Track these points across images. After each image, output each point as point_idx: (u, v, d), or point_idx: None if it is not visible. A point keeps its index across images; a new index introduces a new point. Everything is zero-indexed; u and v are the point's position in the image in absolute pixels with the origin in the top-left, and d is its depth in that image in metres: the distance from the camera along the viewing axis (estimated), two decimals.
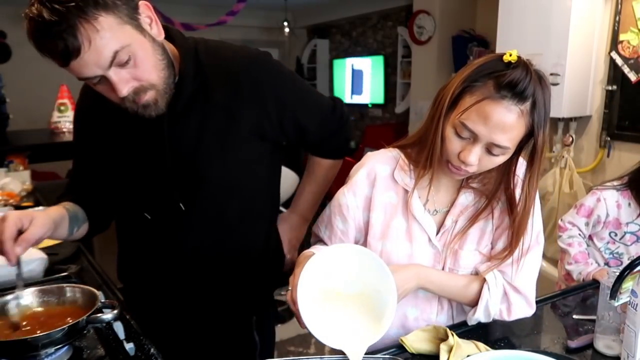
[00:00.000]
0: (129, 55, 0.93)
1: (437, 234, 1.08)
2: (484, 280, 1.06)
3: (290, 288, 0.93)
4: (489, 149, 0.94)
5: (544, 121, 0.94)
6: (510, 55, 0.92)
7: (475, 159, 0.94)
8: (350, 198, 1.10)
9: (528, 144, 0.98)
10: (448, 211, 1.08)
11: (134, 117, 1.04)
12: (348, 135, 1.34)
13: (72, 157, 1.28)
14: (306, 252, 1.08)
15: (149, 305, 1.30)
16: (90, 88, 1.12)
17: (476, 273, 1.09)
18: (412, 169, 1.07)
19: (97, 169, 1.22)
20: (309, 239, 1.26)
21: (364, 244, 1.11)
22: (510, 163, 1.02)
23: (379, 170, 1.09)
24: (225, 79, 1.10)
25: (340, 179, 1.21)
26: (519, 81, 0.89)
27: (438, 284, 1.05)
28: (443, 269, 1.09)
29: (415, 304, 1.12)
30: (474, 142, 0.93)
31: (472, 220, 1.07)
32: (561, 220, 1.72)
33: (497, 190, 1.05)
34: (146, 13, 0.98)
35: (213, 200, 1.16)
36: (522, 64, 0.92)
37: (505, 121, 0.90)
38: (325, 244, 1.15)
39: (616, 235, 1.66)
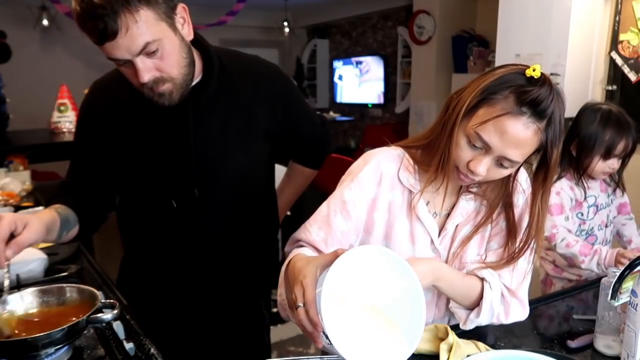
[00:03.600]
0: (157, 47, 1.03)
1: (438, 237, 1.07)
2: (482, 280, 1.04)
3: (300, 304, 0.78)
4: (500, 161, 0.93)
5: (559, 138, 0.92)
6: (534, 70, 0.89)
7: (484, 170, 0.93)
8: (357, 194, 1.05)
9: (535, 155, 0.97)
10: (448, 215, 1.07)
11: (155, 109, 1.13)
12: (328, 149, 1.53)
13: (72, 155, 1.29)
14: (297, 256, 0.91)
15: (154, 302, 1.33)
16: (103, 85, 1.26)
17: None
18: (416, 169, 1.05)
19: (102, 166, 1.24)
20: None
21: (365, 242, 1.08)
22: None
23: (385, 169, 1.06)
24: (247, 82, 1.23)
25: (336, 178, 1.18)
26: (543, 100, 0.87)
27: (449, 281, 1.01)
28: None
29: None
30: (486, 153, 0.92)
31: (476, 229, 1.06)
32: (545, 232, 1.75)
33: (500, 199, 1.05)
34: (181, 14, 1.09)
35: (229, 188, 1.26)
36: (547, 82, 0.89)
37: (521, 137, 0.89)
38: (315, 248, 1.04)
39: (582, 215, 1.76)
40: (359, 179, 1.05)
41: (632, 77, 2.83)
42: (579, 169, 1.71)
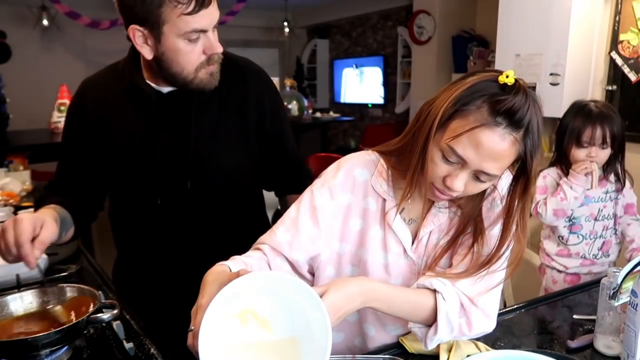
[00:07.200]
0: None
1: (412, 244, 1.02)
2: (434, 292, 0.93)
3: (192, 327, 0.73)
4: (477, 175, 0.88)
5: (537, 147, 0.87)
6: (507, 77, 0.84)
7: (462, 186, 0.88)
8: (327, 201, 1.00)
9: (514, 165, 0.91)
10: (422, 221, 1.03)
11: (147, 107, 1.16)
12: (310, 173, 1.46)
13: (60, 155, 1.30)
14: (214, 267, 0.87)
15: (148, 302, 1.32)
16: (93, 84, 1.26)
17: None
18: (390, 176, 1.02)
19: (91, 165, 1.24)
20: None
21: (340, 251, 1.03)
22: None
23: (358, 175, 1.02)
24: (238, 81, 1.26)
25: None
26: (518, 108, 0.82)
27: (385, 301, 0.90)
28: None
29: (376, 319, 1.05)
30: (462, 168, 0.87)
31: (452, 240, 1.00)
32: (530, 210, 1.82)
33: (476, 209, 0.99)
34: None
35: (219, 185, 1.27)
36: (521, 89, 0.84)
37: (497, 150, 0.84)
38: (277, 251, 0.99)
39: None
40: (331, 186, 1.01)
41: (632, 77, 2.83)
42: (563, 159, 1.81)
